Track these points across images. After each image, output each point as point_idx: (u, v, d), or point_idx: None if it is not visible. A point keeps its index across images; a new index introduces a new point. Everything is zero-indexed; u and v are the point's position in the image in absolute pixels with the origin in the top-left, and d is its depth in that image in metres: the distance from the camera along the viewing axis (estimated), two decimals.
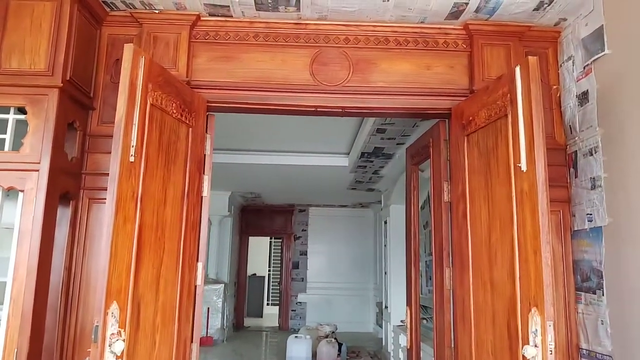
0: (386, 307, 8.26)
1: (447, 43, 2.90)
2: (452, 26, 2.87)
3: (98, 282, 1.96)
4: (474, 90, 2.78)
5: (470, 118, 2.61)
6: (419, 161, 3.44)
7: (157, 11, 2.76)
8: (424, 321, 4.59)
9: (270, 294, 14.52)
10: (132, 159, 2.07)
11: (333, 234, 11.82)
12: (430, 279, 4.87)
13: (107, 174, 2.05)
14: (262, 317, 13.38)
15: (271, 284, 14.51)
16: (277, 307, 12.28)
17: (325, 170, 7.38)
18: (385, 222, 8.63)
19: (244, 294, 11.93)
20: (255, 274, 13.83)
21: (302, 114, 2.97)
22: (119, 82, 2.12)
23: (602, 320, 2.42)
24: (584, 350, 2.56)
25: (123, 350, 1.97)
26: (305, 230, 11.97)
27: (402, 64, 2.89)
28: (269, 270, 14.82)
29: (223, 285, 9.51)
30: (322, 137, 6.25)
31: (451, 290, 2.78)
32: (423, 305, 4.87)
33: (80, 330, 2.55)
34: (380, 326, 9.55)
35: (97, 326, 1.89)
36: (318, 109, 2.89)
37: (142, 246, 2.17)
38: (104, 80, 2.78)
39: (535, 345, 1.93)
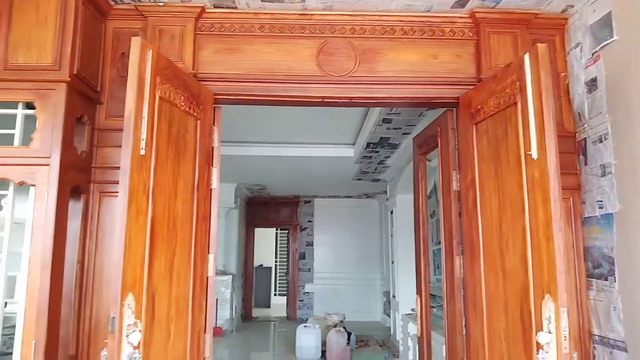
0: (394, 296, 8.29)
1: (453, 32, 2.88)
2: (458, 15, 2.85)
3: (112, 274, 1.96)
4: (481, 78, 2.77)
5: (479, 107, 2.60)
6: (426, 151, 3.43)
7: (161, 4, 2.74)
8: (433, 309, 4.61)
9: (278, 285, 14.58)
10: (142, 152, 2.08)
11: (339, 224, 11.85)
12: (437, 267, 4.88)
13: (117, 167, 2.07)
14: (269, 307, 13.48)
15: (278, 274, 14.57)
16: (285, 298, 12.34)
17: (330, 161, 7.38)
18: (392, 212, 8.63)
19: (251, 284, 11.99)
20: (262, 265, 13.90)
21: (309, 104, 2.97)
22: (125, 76, 2.12)
23: (614, 307, 2.43)
24: (597, 337, 2.57)
25: (140, 341, 1.99)
26: (311, 222, 12.01)
27: (408, 53, 2.87)
28: (276, 261, 14.88)
29: (231, 276, 9.56)
30: (327, 128, 6.24)
31: (461, 279, 2.79)
32: (431, 294, 4.89)
33: (95, 322, 2.58)
34: (388, 315, 9.60)
35: (113, 317, 1.90)
36: (325, 100, 2.88)
37: (155, 239, 2.18)
38: (111, 75, 2.78)
39: (549, 332, 1.93)
